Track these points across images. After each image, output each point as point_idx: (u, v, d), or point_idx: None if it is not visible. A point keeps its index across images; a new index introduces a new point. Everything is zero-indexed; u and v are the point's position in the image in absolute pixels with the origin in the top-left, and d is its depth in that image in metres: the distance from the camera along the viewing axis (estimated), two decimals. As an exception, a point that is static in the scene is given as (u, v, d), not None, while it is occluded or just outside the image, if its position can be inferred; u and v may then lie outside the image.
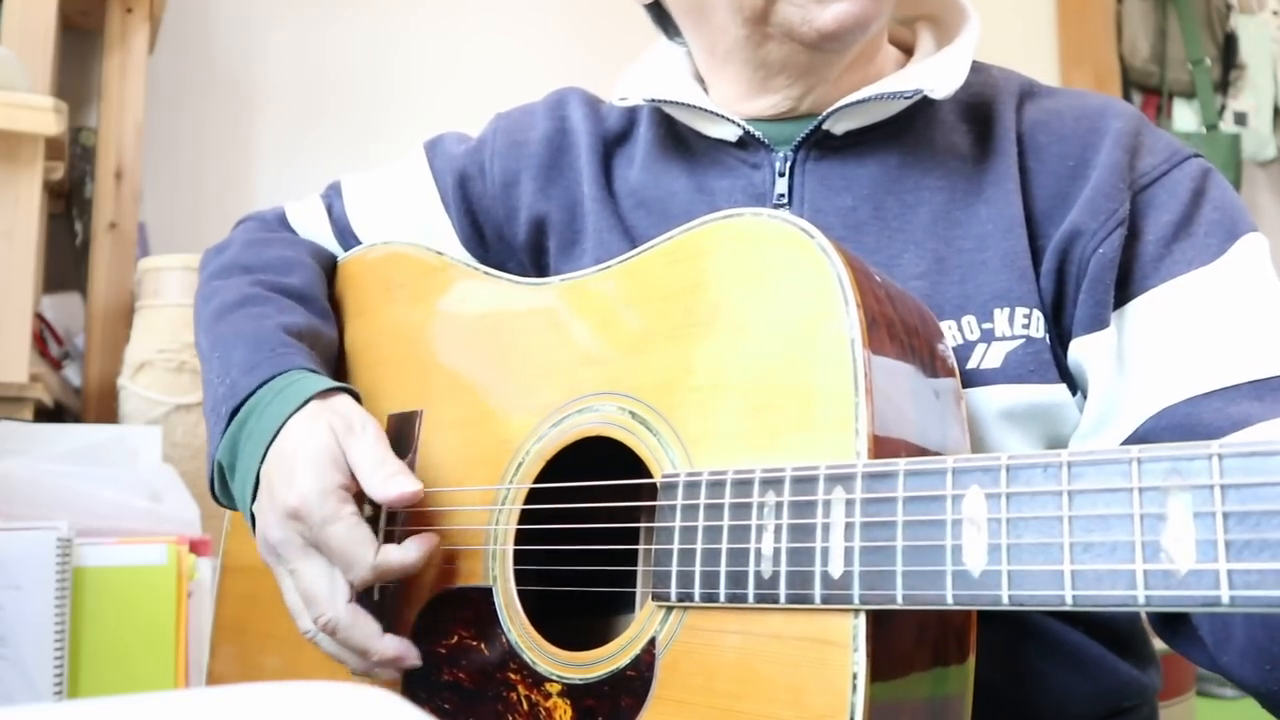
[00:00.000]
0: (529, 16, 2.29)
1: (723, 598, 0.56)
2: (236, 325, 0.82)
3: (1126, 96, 2.90)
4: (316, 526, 0.69)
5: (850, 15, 0.71)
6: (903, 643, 0.54)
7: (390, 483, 0.69)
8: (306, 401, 0.74)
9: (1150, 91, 2.93)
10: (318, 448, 0.71)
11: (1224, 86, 2.95)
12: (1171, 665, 1.47)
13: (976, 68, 0.79)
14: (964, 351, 0.70)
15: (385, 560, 0.69)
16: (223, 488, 0.80)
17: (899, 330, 0.60)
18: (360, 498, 0.72)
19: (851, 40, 0.73)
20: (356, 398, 0.77)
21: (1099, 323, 0.69)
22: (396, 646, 0.70)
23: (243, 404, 0.76)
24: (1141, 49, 2.90)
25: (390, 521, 0.77)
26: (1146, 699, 0.77)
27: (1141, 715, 0.77)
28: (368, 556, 0.68)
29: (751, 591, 0.54)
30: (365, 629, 0.69)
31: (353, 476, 0.71)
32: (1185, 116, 2.92)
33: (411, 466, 0.78)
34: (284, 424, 0.74)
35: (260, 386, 0.76)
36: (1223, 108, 2.93)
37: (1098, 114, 0.75)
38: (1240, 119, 2.92)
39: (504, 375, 0.75)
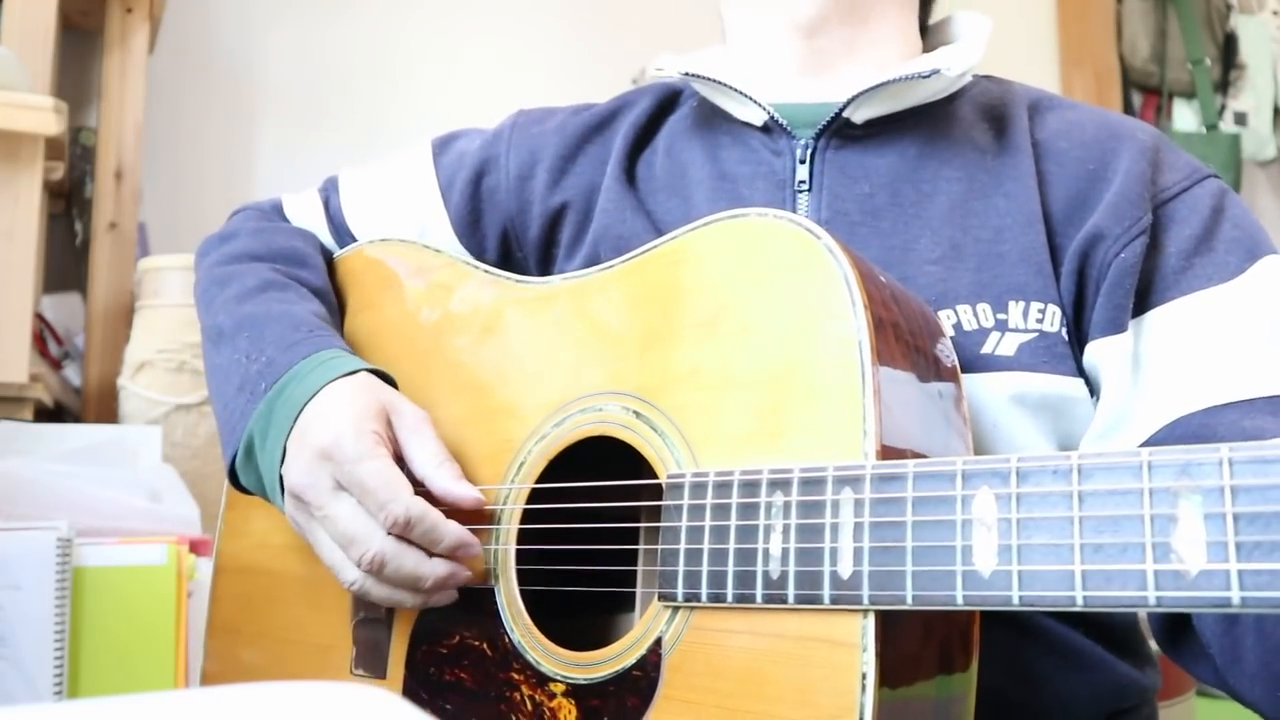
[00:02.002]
0: (529, 17, 2.29)
1: (730, 598, 0.56)
2: (265, 306, 0.81)
3: (1126, 96, 2.90)
4: (350, 463, 0.67)
5: None
6: (910, 642, 0.54)
7: (460, 484, 0.69)
8: (355, 372, 0.73)
9: (1150, 91, 2.93)
10: (362, 405, 0.70)
11: (1224, 86, 2.95)
12: (1171, 665, 1.47)
13: (998, 81, 0.83)
14: (978, 336, 0.70)
15: (421, 504, 0.67)
16: (246, 463, 0.77)
17: (904, 332, 0.60)
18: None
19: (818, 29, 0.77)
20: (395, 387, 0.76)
21: (1116, 326, 0.70)
22: (445, 565, 0.68)
23: (281, 377, 0.75)
24: (1141, 49, 2.90)
25: None
26: (1146, 699, 0.77)
27: (1142, 715, 0.77)
28: (405, 491, 0.66)
29: (760, 592, 0.54)
30: (412, 556, 0.67)
31: (391, 438, 0.70)
32: (1185, 116, 2.92)
33: None
34: (325, 385, 0.72)
35: (301, 360, 0.75)
36: (1223, 108, 2.93)
37: (1119, 125, 0.77)
38: (1240, 119, 2.92)
39: (505, 374, 0.75)
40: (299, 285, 0.86)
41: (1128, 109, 2.88)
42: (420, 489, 0.69)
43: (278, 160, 2.07)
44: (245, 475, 0.78)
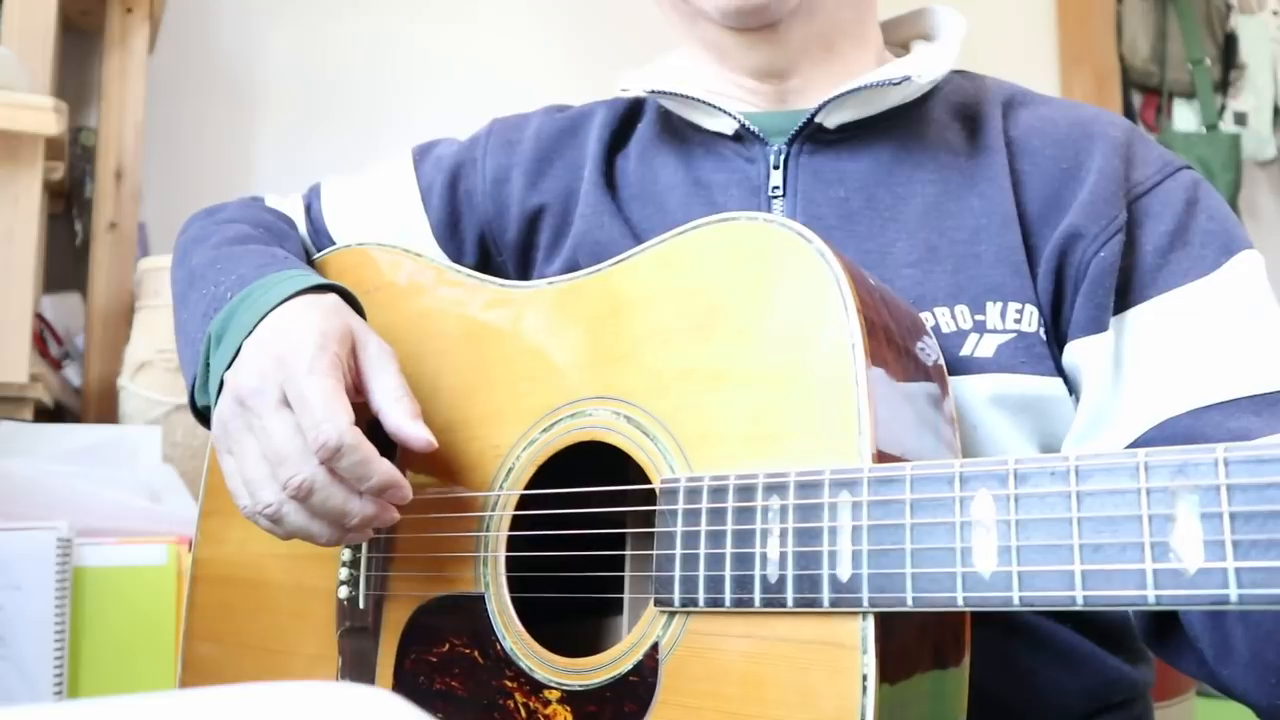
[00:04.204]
0: (530, 17, 2.29)
1: (728, 602, 0.56)
2: (243, 248, 0.80)
3: (1126, 96, 2.90)
4: (300, 374, 0.62)
5: None
6: (907, 643, 0.54)
7: (415, 423, 0.65)
8: (328, 289, 0.70)
9: (1150, 91, 2.93)
10: (330, 326, 0.66)
11: (1224, 86, 2.95)
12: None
13: (970, 76, 0.82)
14: (956, 339, 0.70)
15: (357, 435, 0.61)
16: (204, 377, 0.72)
17: (895, 334, 0.60)
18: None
19: (756, 21, 0.75)
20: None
21: (1098, 325, 0.70)
22: (373, 505, 0.64)
23: (248, 286, 0.72)
24: (1141, 49, 2.90)
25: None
26: (1139, 694, 0.77)
27: (1134, 711, 0.77)
28: (344, 420, 0.61)
29: (758, 596, 0.54)
30: (341, 490, 0.63)
31: (353, 369, 0.67)
32: (1185, 116, 2.92)
33: None
34: (295, 295, 0.69)
35: (272, 273, 0.73)
36: (1223, 108, 2.93)
37: (1091, 120, 0.76)
38: (1240, 119, 2.92)
39: (491, 379, 0.74)
40: (280, 247, 0.85)
41: (1128, 109, 2.88)
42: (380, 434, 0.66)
43: (278, 160, 2.07)
44: (203, 394, 0.73)
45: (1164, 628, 0.67)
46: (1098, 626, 0.74)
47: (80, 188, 1.81)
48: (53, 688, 1.01)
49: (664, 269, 0.66)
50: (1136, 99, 2.93)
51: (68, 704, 0.42)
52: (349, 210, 0.94)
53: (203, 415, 0.74)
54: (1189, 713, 1.66)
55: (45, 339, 1.72)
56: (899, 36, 0.87)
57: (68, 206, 1.85)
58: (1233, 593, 0.41)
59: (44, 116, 1.30)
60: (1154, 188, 0.73)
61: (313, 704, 0.35)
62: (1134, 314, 0.70)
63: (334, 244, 0.93)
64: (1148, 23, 2.92)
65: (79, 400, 1.69)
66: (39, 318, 1.65)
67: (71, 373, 1.73)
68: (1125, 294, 0.71)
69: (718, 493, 0.57)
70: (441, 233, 0.89)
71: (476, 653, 0.69)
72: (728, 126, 0.79)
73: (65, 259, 1.84)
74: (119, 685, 1.06)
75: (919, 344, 0.63)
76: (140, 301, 1.61)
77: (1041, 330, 0.71)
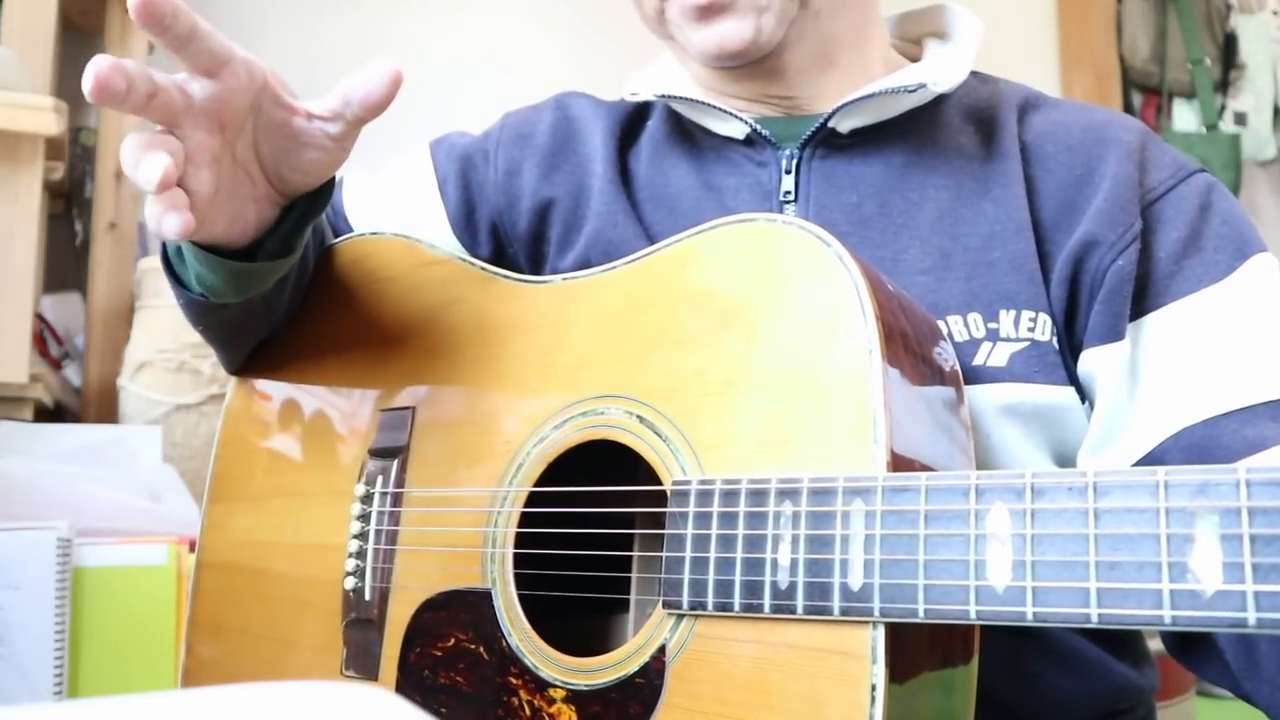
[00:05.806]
0: (530, 16, 2.28)
1: (737, 607, 0.55)
2: None
3: (1126, 96, 2.90)
4: None
5: (717, 41, 0.74)
6: (916, 652, 0.54)
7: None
8: None
9: (1150, 91, 2.93)
10: None
11: (1224, 86, 2.95)
12: (1170, 665, 1.47)
13: (984, 79, 0.81)
14: (969, 348, 0.70)
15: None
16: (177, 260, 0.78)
17: (912, 341, 0.59)
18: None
19: (736, 61, 0.75)
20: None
21: (1115, 334, 0.69)
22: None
23: None
24: (1141, 49, 2.89)
25: (381, 521, 0.77)
26: (1143, 700, 0.77)
27: (1138, 715, 0.77)
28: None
29: (768, 602, 0.54)
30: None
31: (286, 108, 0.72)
32: (1185, 116, 2.91)
33: (404, 466, 0.77)
34: None
35: None
36: (1223, 108, 2.93)
37: (1104, 125, 0.75)
38: (1240, 119, 2.91)
39: (503, 375, 0.74)
40: None
41: (1128, 109, 2.88)
42: None
43: (277, 160, 2.07)
44: (178, 259, 0.79)
45: (1188, 637, 0.67)
46: (1104, 632, 0.74)
47: (80, 188, 1.81)
48: (52, 688, 1.01)
49: (680, 269, 0.66)
50: (1136, 99, 2.93)
51: (68, 704, 0.42)
52: (369, 201, 0.95)
53: (180, 279, 0.82)
54: (1189, 713, 1.65)
55: (45, 339, 1.72)
56: (912, 32, 0.86)
57: (68, 206, 1.85)
58: (1251, 616, 0.41)
59: (44, 116, 1.30)
60: (1167, 193, 0.72)
61: (311, 704, 0.35)
62: (1148, 321, 0.70)
63: (352, 231, 0.93)
64: (1148, 23, 2.91)
65: (79, 400, 1.69)
66: (39, 318, 1.65)
67: (71, 373, 1.72)
68: (1139, 301, 0.70)
69: (729, 496, 0.57)
70: (458, 221, 0.89)
71: (482, 648, 0.68)
72: (739, 131, 0.79)
73: (65, 259, 1.84)
74: (119, 685, 1.06)
75: (936, 349, 0.63)
76: (140, 301, 1.61)
77: (1054, 339, 0.70)
